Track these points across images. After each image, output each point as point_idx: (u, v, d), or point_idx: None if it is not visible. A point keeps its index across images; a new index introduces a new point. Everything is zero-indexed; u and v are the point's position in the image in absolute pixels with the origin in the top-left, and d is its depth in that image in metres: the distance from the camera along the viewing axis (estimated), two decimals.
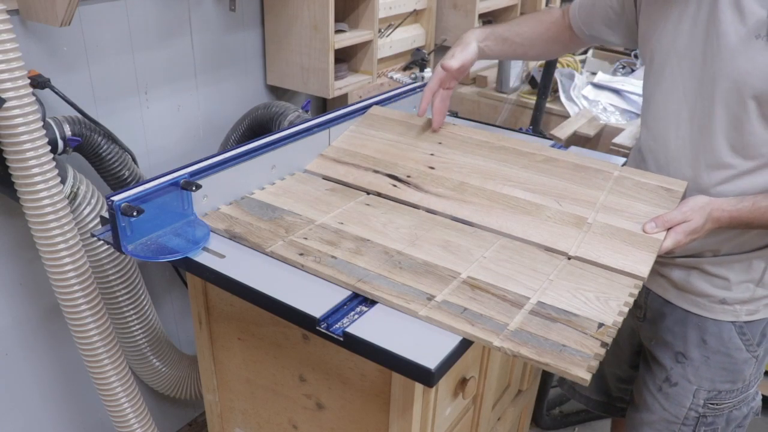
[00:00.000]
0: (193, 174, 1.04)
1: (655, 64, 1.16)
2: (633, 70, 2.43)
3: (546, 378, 1.97)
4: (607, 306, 0.87)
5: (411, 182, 1.19)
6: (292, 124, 1.48)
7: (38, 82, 1.19)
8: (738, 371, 1.21)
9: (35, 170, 1.13)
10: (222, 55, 1.66)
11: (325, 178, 1.22)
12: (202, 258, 0.95)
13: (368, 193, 1.17)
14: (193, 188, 1.01)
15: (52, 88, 1.23)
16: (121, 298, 1.40)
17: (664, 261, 1.21)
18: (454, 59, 1.27)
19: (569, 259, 0.99)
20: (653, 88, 1.18)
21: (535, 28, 1.35)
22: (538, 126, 2.03)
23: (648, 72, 1.20)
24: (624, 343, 1.41)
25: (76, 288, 1.24)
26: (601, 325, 0.83)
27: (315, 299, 0.86)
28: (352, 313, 0.85)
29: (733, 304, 1.17)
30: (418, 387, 0.90)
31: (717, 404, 1.23)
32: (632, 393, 1.39)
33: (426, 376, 0.76)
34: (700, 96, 1.09)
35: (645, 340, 1.31)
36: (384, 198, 1.15)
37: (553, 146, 1.35)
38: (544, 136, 1.65)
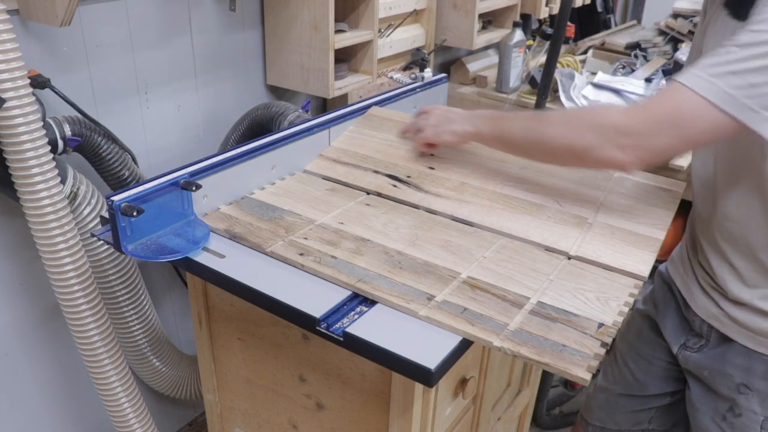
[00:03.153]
0: (193, 174, 1.04)
1: None
2: (633, 70, 2.43)
3: (546, 378, 1.97)
4: (607, 306, 0.87)
5: (411, 182, 1.19)
6: (292, 124, 1.48)
7: (38, 82, 1.18)
8: None
9: (35, 170, 1.13)
10: (222, 55, 1.66)
11: (325, 178, 1.22)
12: (202, 258, 0.95)
13: (368, 193, 1.17)
14: (193, 188, 1.01)
15: (52, 88, 1.23)
16: (121, 298, 1.40)
17: (727, 298, 1.13)
18: None
19: (569, 258, 0.99)
20: None
21: None
22: None
23: None
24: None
25: (76, 288, 1.24)
26: (601, 325, 0.83)
27: (315, 299, 0.86)
28: (352, 313, 0.85)
29: None
30: (418, 387, 0.89)
31: None
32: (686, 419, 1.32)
33: (426, 376, 0.76)
34: None
35: (698, 369, 1.22)
36: (384, 198, 1.15)
37: None
38: None
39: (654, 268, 1.03)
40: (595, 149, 0.95)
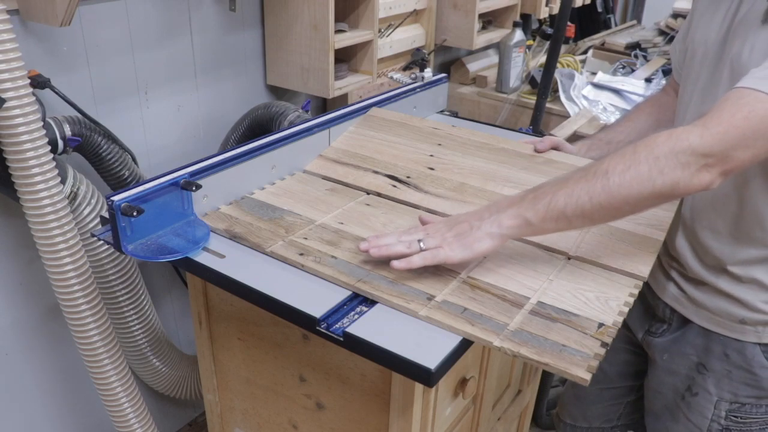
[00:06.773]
0: (193, 174, 1.04)
1: (687, 61, 1.13)
2: (633, 70, 2.43)
3: (546, 378, 1.97)
4: (607, 306, 0.87)
5: (411, 183, 1.19)
6: (292, 124, 1.48)
7: (38, 82, 1.19)
8: (763, 388, 1.13)
9: (35, 170, 1.13)
10: (222, 55, 1.66)
11: (325, 178, 1.22)
12: (202, 258, 0.95)
13: (368, 193, 1.17)
14: (193, 188, 1.01)
15: (52, 88, 1.23)
16: (121, 298, 1.40)
17: (687, 277, 1.16)
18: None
19: (569, 258, 0.99)
20: (683, 88, 1.14)
21: (641, 121, 1.30)
22: (538, 126, 2.03)
23: (683, 73, 1.17)
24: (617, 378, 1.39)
25: (76, 288, 1.24)
26: (601, 325, 0.83)
27: (315, 299, 0.86)
28: (352, 313, 0.85)
29: (755, 325, 1.10)
30: (418, 387, 0.89)
31: (741, 417, 1.16)
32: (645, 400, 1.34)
33: (426, 376, 0.76)
34: (713, 85, 1.04)
35: (659, 353, 1.24)
36: (384, 198, 1.15)
37: None
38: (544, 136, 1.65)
39: None
40: (682, 182, 0.84)
